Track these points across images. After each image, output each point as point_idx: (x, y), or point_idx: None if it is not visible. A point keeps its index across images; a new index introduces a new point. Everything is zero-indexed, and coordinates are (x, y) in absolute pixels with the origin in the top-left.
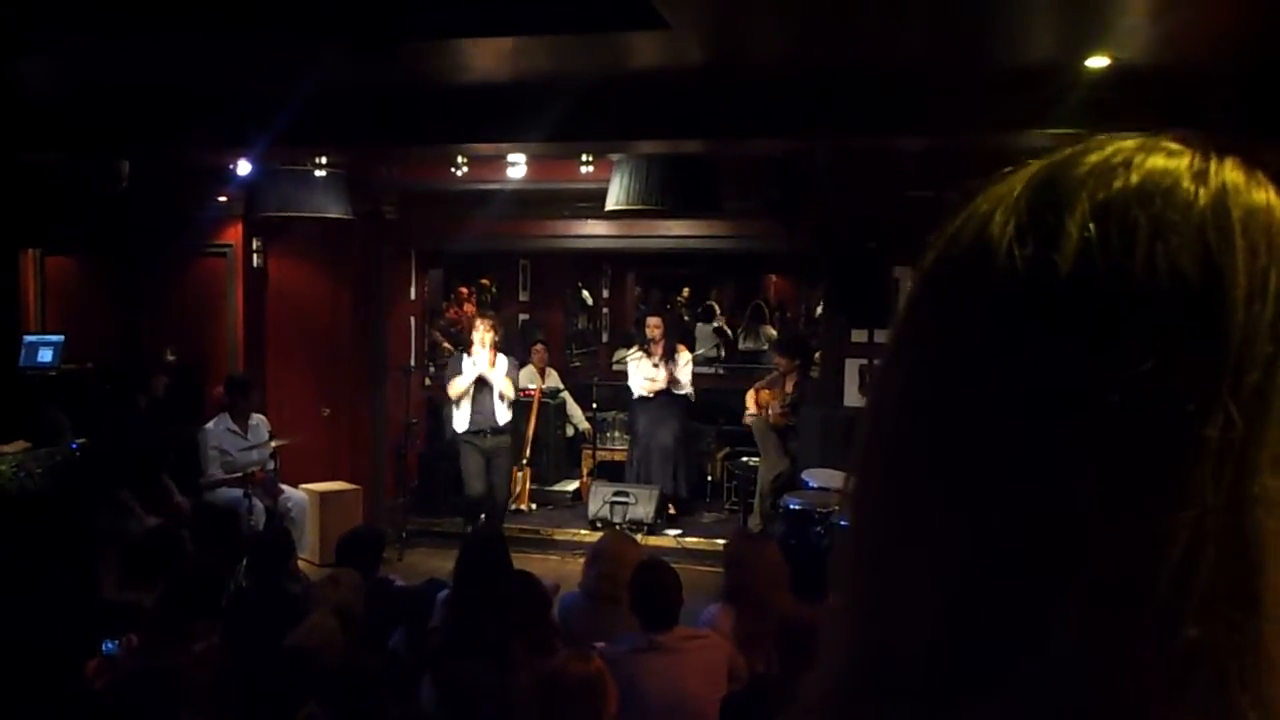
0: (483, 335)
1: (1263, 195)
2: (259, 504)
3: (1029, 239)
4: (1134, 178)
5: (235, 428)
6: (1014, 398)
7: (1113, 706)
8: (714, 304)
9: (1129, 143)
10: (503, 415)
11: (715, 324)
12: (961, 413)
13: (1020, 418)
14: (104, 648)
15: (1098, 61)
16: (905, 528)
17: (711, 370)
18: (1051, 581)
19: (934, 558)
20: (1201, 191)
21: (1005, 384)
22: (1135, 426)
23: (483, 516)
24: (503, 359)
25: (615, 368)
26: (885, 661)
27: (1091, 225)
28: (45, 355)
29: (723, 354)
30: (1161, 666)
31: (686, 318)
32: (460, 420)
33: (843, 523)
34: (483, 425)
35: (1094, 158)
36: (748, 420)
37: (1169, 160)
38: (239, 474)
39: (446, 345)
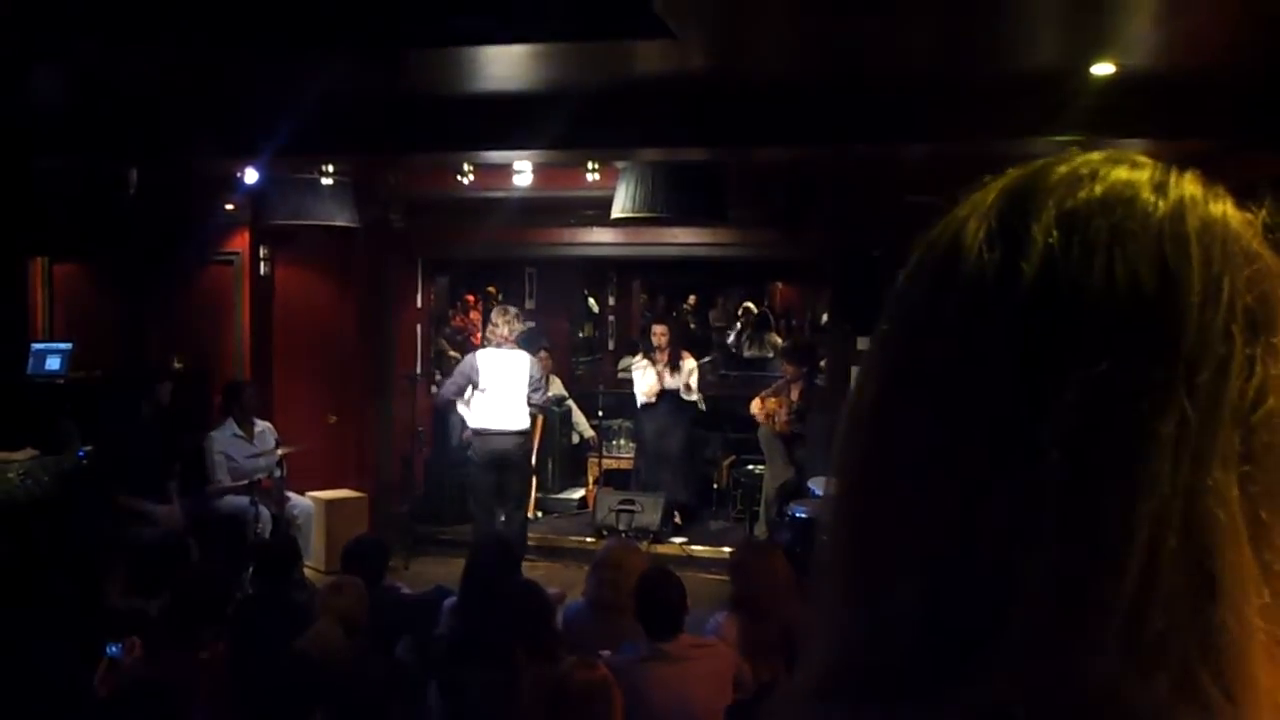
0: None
1: (1219, 207)
2: (265, 511)
3: (997, 245)
4: (1098, 189)
5: (240, 433)
6: (980, 397)
7: (1084, 692)
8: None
9: (1097, 155)
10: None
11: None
12: (931, 412)
13: (986, 416)
14: (107, 650)
15: (1103, 69)
16: (880, 523)
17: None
18: (1019, 574)
19: (906, 555)
20: (1160, 202)
21: (972, 383)
22: (1093, 424)
23: (502, 519)
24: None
25: (620, 375)
26: (862, 659)
27: (1055, 232)
28: (53, 363)
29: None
30: (1132, 651)
31: (693, 325)
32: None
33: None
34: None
35: (1063, 169)
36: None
37: (1132, 173)
38: (245, 481)
39: (453, 353)
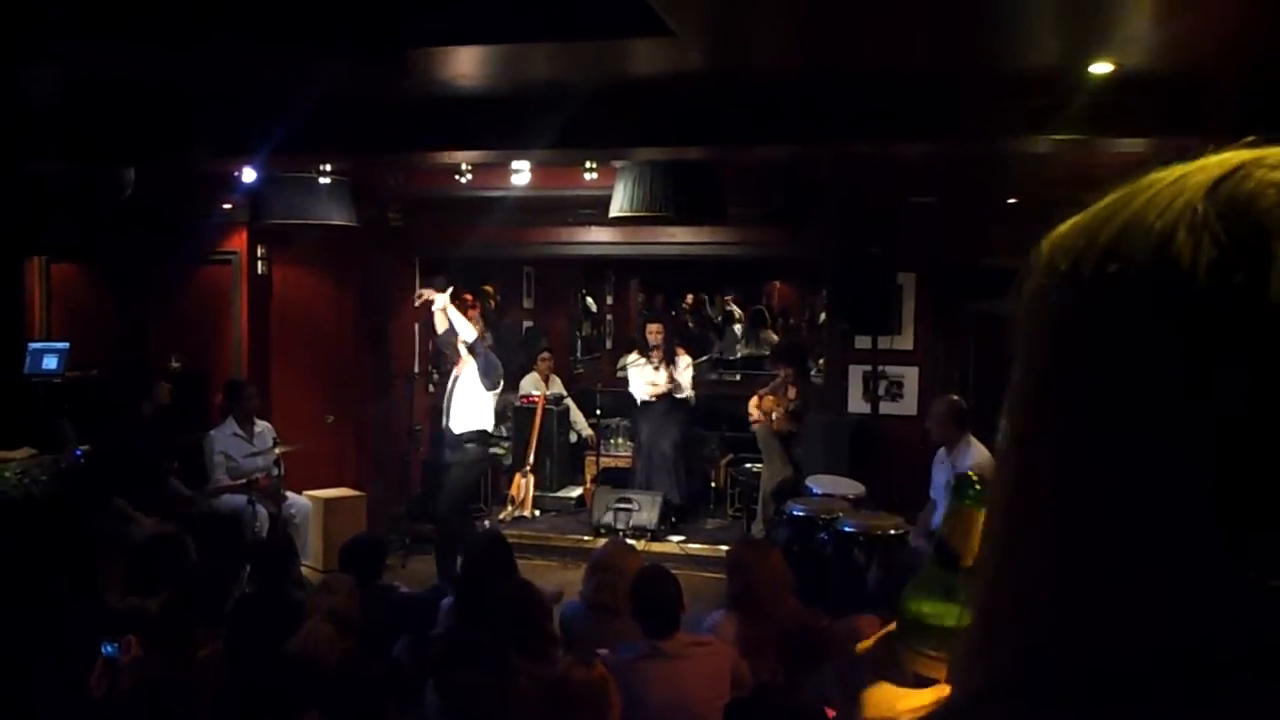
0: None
1: None
2: (263, 510)
3: (1237, 265)
4: None
5: (240, 432)
6: (1205, 419)
7: None
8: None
9: None
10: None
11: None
12: (1145, 433)
13: (1211, 439)
14: (103, 650)
15: (1101, 67)
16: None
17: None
18: (1184, 559)
19: (1107, 548)
20: None
21: (1195, 405)
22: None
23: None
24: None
25: (619, 374)
26: (1084, 651)
27: None
28: (50, 362)
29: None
30: None
31: (691, 324)
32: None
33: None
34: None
35: (1274, 175)
36: (753, 418)
37: None
38: (243, 480)
39: (449, 352)
